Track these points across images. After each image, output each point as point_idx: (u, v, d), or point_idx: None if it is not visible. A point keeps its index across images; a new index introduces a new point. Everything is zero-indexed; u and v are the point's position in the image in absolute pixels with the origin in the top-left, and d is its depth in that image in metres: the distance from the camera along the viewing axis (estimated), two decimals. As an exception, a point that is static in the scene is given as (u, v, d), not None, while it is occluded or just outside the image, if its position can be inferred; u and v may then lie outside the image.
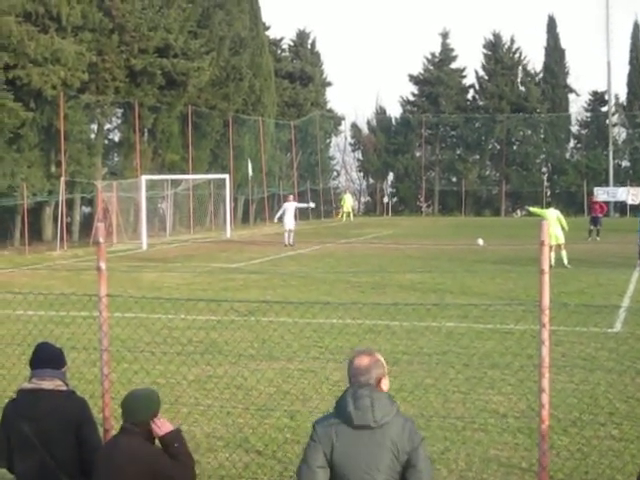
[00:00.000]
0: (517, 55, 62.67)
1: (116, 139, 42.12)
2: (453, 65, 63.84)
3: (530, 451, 7.48)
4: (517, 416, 8.60)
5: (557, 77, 61.90)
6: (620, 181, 58.19)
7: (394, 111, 69.88)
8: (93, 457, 4.90)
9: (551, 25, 62.88)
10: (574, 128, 62.99)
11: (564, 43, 63.80)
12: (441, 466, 7.24)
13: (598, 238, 32.68)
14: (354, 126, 66.18)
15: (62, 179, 32.30)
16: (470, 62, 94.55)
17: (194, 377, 10.26)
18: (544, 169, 62.91)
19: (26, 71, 30.99)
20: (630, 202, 55.48)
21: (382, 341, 12.12)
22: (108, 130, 41.36)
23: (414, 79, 64.28)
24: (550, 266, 5.87)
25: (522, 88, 62.17)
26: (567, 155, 62.53)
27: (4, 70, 30.46)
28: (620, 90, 62.76)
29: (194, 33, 40.41)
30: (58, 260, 26.99)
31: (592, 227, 33.62)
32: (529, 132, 62.34)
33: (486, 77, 62.53)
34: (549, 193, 59.97)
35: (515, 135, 62.11)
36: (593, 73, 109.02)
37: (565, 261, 22.84)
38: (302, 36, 61.45)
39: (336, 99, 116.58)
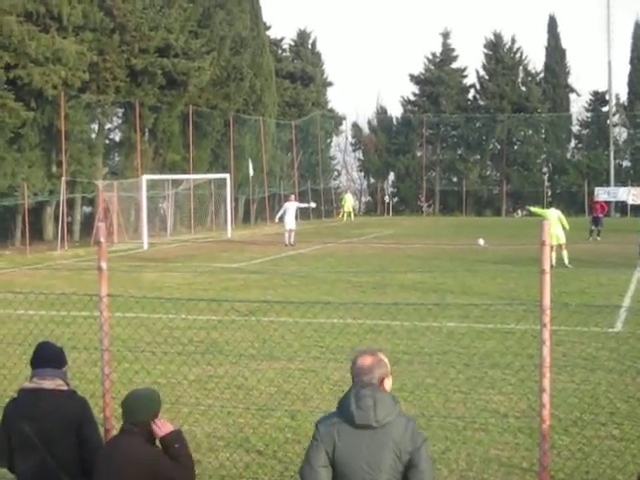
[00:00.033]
0: (518, 55, 62.64)
1: (117, 139, 42.14)
2: (454, 65, 63.83)
3: (531, 451, 7.47)
4: (518, 416, 8.60)
5: (558, 77, 61.87)
6: (621, 181, 58.16)
7: (395, 111, 69.89)
8: (94, 457, 4.90)
9: (552, 25, 62.85)
10: (575, 128, 62.97)
11: (565, 43, 63.95)
12: (442, 466, 7.24)
13: (599, 238, 32.68)
14: (355, 126, 66.19)
15: (63, 179, 32.31)
16: (471, 62, 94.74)
17: (195, 377, 10.26)
18: (545, 169, 62.90)
19: (27, 71, 31.00)
20: (631, 202, 55.48)
21: (383, 341, 12.12)
22: (109, 130, 41.41)
23: (415, 79, 64.28)
24: (551, 266, 5.87)
25: (523, 88, 62.12)
26: (568, 155, 62.49)
27: (5, 70, 30.47)
28: (621, 90, 62.81)
29: (195, 33, 40.42)
30: (59, 260, 27.00)
31: (593, 227, 33.62)
32: (530, 132, 62.32)
33: (487, 77, 62.50)
34: (550, 193, 59.94)
35: (516, 135, 62.08)
36: (594, 73, 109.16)
37: (566, 261, 22.84)
38: (303, 36, 61.45)
39: (337, 99, 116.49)
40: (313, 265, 24.28)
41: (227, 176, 38.59)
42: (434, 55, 63.76)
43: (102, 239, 6.03)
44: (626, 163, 61.58)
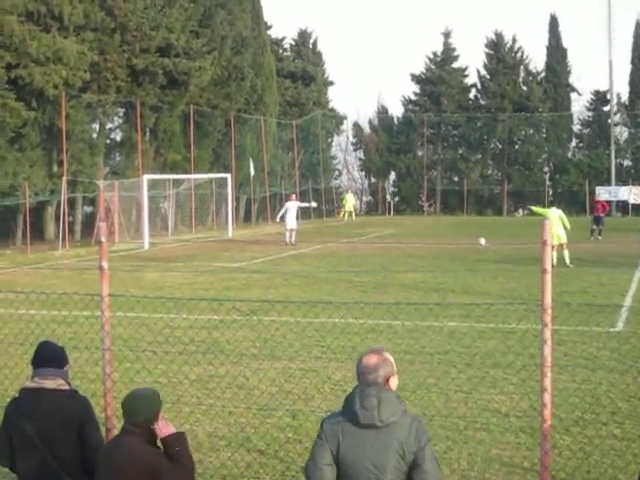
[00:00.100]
0: (519, 54, 62.62)
1: (118, 138, 42.16)
2: (455, 64, 63.83)
3: (532, 450, 7.47)
4: (519, 415, 8.60)
5: (559, 76, 61.85)
6: (622, 180, 58.13)
7: (396, 110, 69.83)
8: (95, 456, 4.90)
9: (553, 24, 62.83)
10: (576, 127, 62.98)
11: (566, 42, 63.75)
12: (443, 465, 7.22)
13: (600, 237, 32.67)
14: (356, 125, 66.22)
15: (64, 178, 32.32)
16: (472, 61, 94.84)
17: (196, 376, 10.27)
18: (546, 168, 62.89)
19: (28, 70, 31.01)
20: (632, 201, 55.46)
21: (384, 340, 12.11)
22: (110, 129, 41.43)
23: (416, 78, 64.28)
24: (552, 265, 5.87)
25: (524, 87, 62.11)
26: (569, 154, 62.49)
27: (6, 69, 30.48)
28: (622, 89, 62.74)
29: (196, 32, 40.43)
30: (60, 259, 27.01)
31: (594, 226, 33.59)
32: (531, 131, 62.32)
33: (488, 76, 62.48)
34: (551, 192, 59.94)
35: (517, 134, 62.08)
36: (595, 72, 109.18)
37: (567, 260, 22.83)
38: (304, 35, 61.44)
39: (338, 98, 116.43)
40: (314, 265, 24.27)
41: (228, 176, 38.61)
42: (435, 54, 63.78)
43: (103, 239, 6.03)
44: (627, 162, 61.59)
